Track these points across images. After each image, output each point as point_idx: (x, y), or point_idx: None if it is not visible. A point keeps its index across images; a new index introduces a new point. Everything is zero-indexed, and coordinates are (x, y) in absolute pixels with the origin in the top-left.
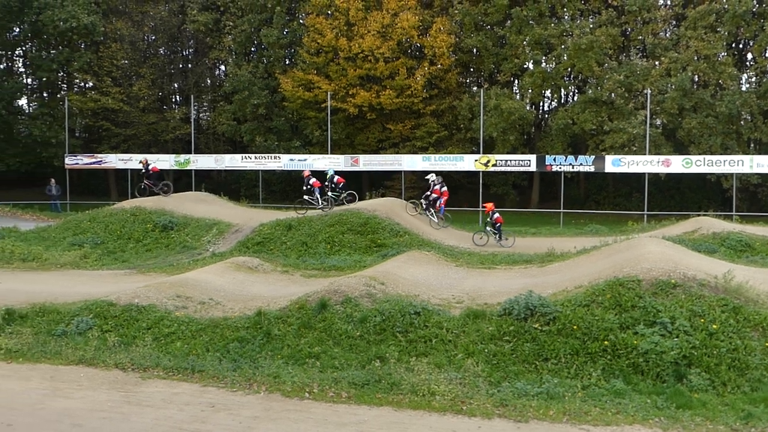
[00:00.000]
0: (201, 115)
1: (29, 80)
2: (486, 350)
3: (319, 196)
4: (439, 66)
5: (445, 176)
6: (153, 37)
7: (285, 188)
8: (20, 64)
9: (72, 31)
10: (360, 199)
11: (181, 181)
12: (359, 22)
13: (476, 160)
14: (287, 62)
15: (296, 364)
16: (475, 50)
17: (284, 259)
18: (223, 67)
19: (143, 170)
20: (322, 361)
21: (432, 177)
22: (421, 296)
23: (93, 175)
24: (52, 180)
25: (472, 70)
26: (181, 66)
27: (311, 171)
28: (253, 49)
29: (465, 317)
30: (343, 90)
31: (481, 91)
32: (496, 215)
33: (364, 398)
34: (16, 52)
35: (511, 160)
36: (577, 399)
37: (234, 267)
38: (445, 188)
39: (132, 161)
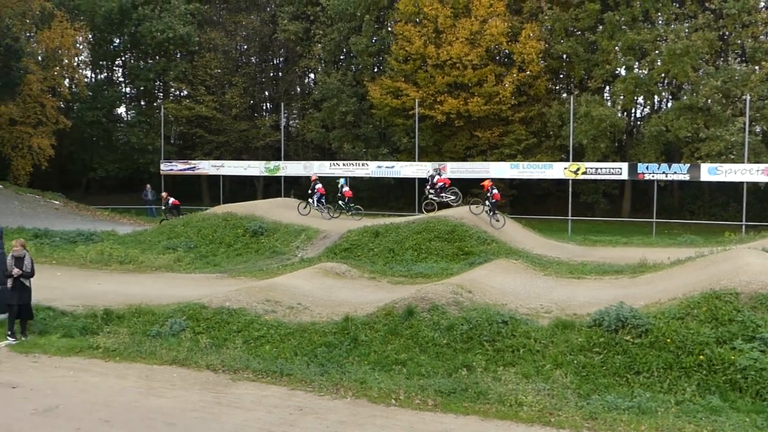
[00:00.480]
0: (290, 122)
1: (128, 89)
2: (575, 361)
3: (316, 201)
4: (528, 72)
5: (533, 184)
6: (245, 47)
7: (372, 195)
8: (120, 74)
9: (168, 41)
10: (445, 207)
11: (270, 187)
12: (448, 29)
13: (566, 168)
14: (375, 70)
15: (383, 370)
16: (565, 56)
17: (371, 266)
18: (312, 75)
19: (164, 205)
20: (408, 368)
21: (430, 171)
22: (508, 305)
23: (186, 181)
24: (148, 185)
25: (561, 76)
26: (271, 74)
27: (329, 178)
28: (342, 57)
29: (554, 327)
30: (430, 97)
31: (571, 97)
32: (495, 191)
33: (451, 406)
34: (116, 63)
35: (601, 168)
36: (671, 415)
37: (322, 272)
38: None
39: (224, 168)
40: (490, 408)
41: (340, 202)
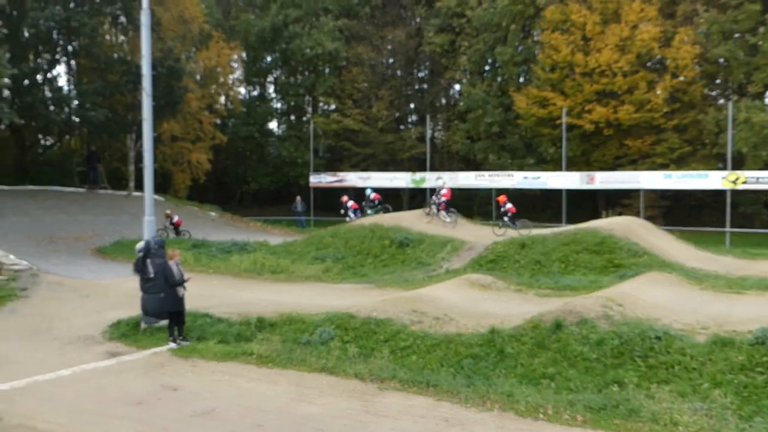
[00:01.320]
0: (435, 134)
1: (279, 104)
2: (735, 381)
3: (353, 215)
4: (683, 78)
5: (687, 195)
6: (391, 60)
7: (518, 206)
8: (271, 90)
9: (317, 57)
10: (594, 218)
11: (416, 198)
12: (596, 36)
13: (723, 178)
14: (521, 80)
15: (530, 384)
16: (722, 60)
17: (517, 278)
18: (457, 87)
19: (168, 224)
20: (556, 383)
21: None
22: (662, 320)
23: (334, 193)
24: (298, 197)
25: (718, 81)
26: (417, 87)
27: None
28: (486, 67)
29: (711, 344)
30: (578, 106)
31: (729, 103)
32: (509, 206)
33: (601, 423)
34: (268, 79)
35: (763, 178)
36: None
37: (468, 284)
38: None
39: (371, 179)
40: (643, 426)
41: (369, 210)
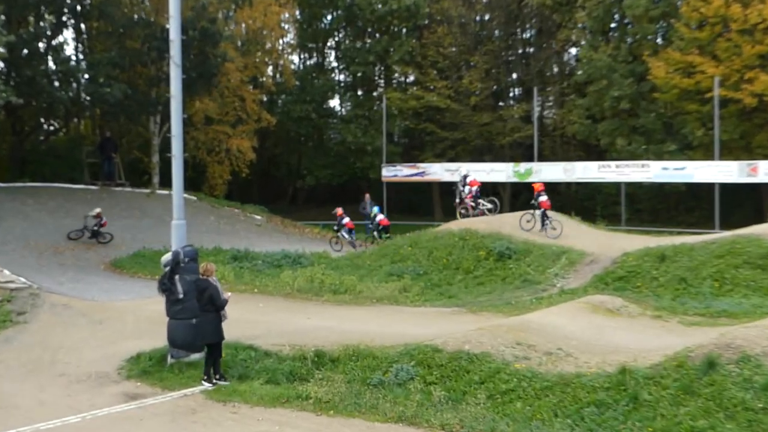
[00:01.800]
0: (545, 112)
1: (342, 77)
2: None
3: (346, 235)
4: None
5: None
6: (487, 17)
7: (656, 206)
8: (332, 58)
9: (391, 14)
10: (759, 221)
11: (520, 196)
12: None
13: None
14: (659, 41)
15: None
16: None
17: (655, 300)
18: (573, 51)
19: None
20: None
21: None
22: None
23: (414, 189)
24: (367, 195)
25: None
26: (521, 51)
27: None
28: (613, 25)
29: None
30: (736, 74)
31: None
32: (542, 198)
33: None
34: (328, 44)
35: None
36: None
37: (589, 308)
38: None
39: (460, 172)
40: None
41: (375, 233)
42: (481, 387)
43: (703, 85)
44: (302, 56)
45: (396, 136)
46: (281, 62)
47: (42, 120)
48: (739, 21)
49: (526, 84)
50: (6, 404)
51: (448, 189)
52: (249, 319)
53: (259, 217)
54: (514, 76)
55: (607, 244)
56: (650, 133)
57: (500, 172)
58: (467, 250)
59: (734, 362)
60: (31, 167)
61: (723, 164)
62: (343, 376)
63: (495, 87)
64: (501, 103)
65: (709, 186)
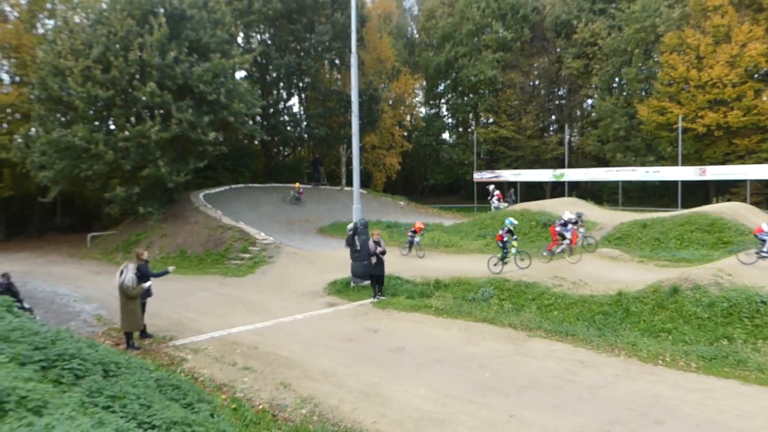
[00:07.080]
0: (572, 138)
1: (450, 120)
2: None
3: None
4: None
5: None
6: (537, 82)
7: (639, 194)
8: (444, 109)
9: (480, 82)
10: (706, 203)
11: (556, 190)
12: (708, 55)
13: None
14: (643, 93)
15: (650, 337)
16: None
17: (640, 252)
18: (590, 101)
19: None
20: (673, 336)
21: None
22: (766, 288)
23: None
24: (492, 187)
25: None
26: (557, 102)
27: None
28: (614, 85)
29: None
30: (692, 113)
31: None
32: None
33: (712, 370)
34: (442, 101)
35: None
36: None
37: (599, 256)
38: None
39: (521, 175)
40: (750, 375)
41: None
42: (532, 302)
43: (671, 120)
44: (427, 108)
45: (481, 154)
46: (414, 112)
47: (280, 148)
48: (695, 80)
49: (560, 122)
50: (264, 308)
51: (512, 184)
52: (395, 262)
53: (402, 203)
54: (553, 117)
55: (610, 217)
56: (638, 150)
57: (544, 175)
58: (525, 221)
59: (690, 289)
60: (275, 175)
61: (683, 169)
62: (451, 295)
63: (541, 124)
64: (545, 134)
65: (675, 182)
